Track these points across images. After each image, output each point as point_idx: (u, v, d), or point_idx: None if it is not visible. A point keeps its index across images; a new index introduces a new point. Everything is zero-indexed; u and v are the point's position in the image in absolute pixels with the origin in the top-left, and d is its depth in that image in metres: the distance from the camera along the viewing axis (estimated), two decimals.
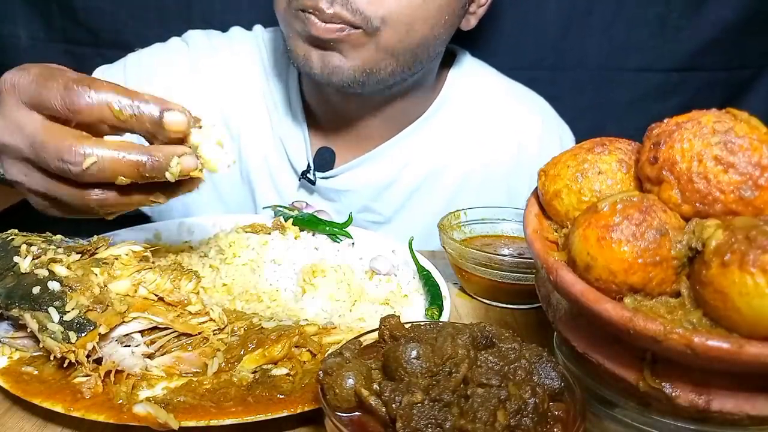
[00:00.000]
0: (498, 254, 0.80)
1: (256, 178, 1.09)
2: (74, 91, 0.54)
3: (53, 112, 0.55)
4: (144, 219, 1.13)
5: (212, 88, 1.08)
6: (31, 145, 0.56)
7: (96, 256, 0.63)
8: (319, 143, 1.07)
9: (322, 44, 0.88)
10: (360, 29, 0.85)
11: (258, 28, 1.14)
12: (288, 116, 1.07)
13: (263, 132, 1.08)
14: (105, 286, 0.60)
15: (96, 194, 0.58)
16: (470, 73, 1.12)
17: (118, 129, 0.58)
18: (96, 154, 0.54)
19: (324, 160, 1.06)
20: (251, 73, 1.09)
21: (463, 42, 1.13)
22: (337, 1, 0.84)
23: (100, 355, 0.57)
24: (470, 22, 1.02)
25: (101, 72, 1.09)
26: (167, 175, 0.56)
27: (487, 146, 1.11)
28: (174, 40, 1.11)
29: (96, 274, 0.60)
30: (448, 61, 1.10)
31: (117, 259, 0.63)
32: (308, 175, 1.05)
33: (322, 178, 1.06)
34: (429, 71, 1.04)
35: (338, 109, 1.04)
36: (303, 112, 1.06)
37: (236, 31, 1.14)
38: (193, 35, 1.11)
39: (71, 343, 0.55)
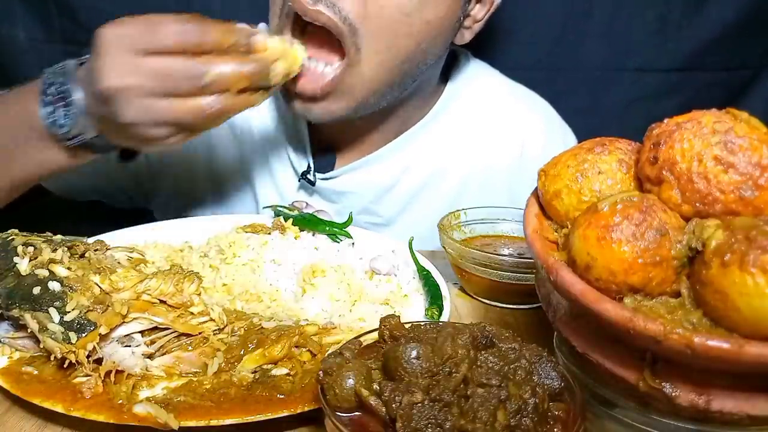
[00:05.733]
0: (498, 254, 0.80)
1: (257, 178, 1.09)
2: (191, 29, 0.67)
3: (167, 51, 0.67)
4: (144, 218, 1.13)
5: None
6: (155, 77, 0.67)
7: (92, 259, 0.63)
8: (320, 145, 1.07)
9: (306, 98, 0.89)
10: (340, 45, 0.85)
11: (262, 26, 1.13)
12: (290, 117, 1.06)
13: (265, 132, 1.08)
14: (107, 294, 0.60)
15: (213, 102, 0.69)
16: (472, 75, 1.12)
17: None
18: (216, 70, 0.68)
19: (325, 162, 1.06)
20: None
21: None
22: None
23: (101, 356, 0.57)
24: (464, 37, 1.00)
25: None
26: (271, 78, 0.74)
27: (489, 148, 1.10)
28: None
29: (96, 283, 0.60)
30: (450, 63, 1.10)
31: (117, 262, 0.63)
32: (308, 175, 1.04)
33: (323, 179, 1.05)
34: (428, 78, 1.03)
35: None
36: None
37: None
38: None
39: (71, 343, 0.55)
